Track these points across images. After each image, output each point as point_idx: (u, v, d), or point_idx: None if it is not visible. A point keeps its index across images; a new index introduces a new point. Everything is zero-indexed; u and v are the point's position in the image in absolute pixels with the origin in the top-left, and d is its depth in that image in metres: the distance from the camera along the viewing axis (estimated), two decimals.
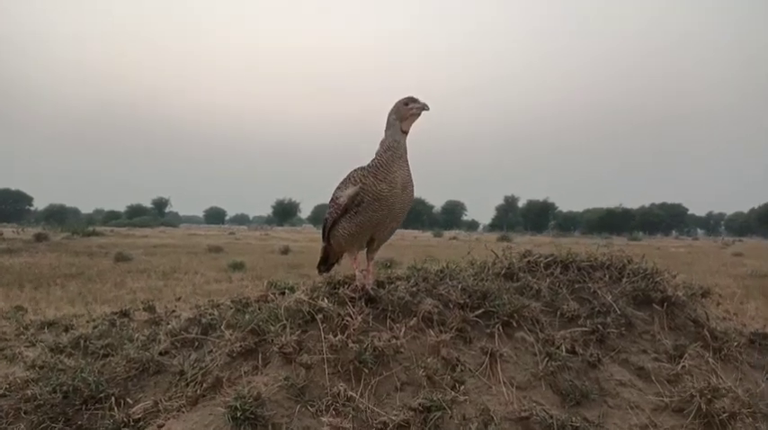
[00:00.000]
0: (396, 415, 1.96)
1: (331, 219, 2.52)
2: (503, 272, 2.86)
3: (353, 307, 2.37)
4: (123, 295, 10.52)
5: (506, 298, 2.46)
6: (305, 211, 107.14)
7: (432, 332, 2.32)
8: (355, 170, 2.44)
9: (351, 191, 2.40)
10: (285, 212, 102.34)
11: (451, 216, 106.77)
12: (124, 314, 3.23)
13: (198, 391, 2.15)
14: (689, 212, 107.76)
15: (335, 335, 2.21)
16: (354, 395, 2.04)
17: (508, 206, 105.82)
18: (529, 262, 2.92)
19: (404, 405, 2.01)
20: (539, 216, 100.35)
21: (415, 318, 2.36)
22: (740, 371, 2.46)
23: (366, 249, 2.60)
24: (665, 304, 2.62)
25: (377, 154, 2.42)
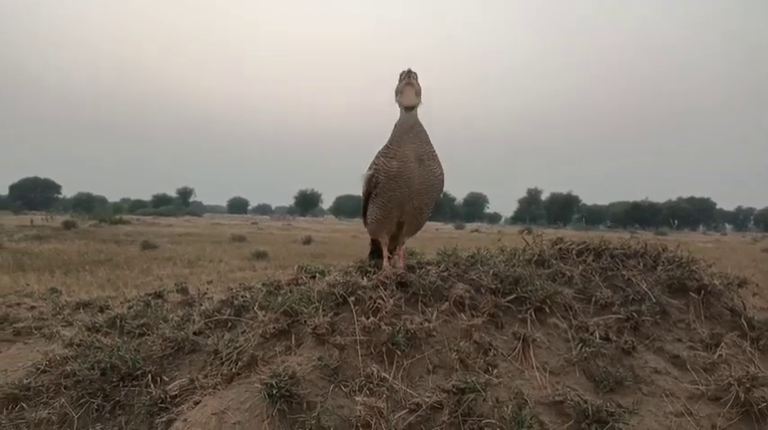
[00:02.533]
0: (429, 396, 1.97)
1: (363, 208, 2.56)
2: (534, 259, 2.83)
3: (385, 290, 2.38)
4: (150, 281, 10.71)
5: (539, 284, 2.45)
6: (327, 202, 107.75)
7: (463, 316, 2.32)
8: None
9: (367, 175, 2.47)
10: (307, 203, 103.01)
11: (473, 208, 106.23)
12: (158, 295, 3.29)
13: (233, 370, 2.18)
14: (717, 207, 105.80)
15: (368, 318, 2.22)
16: (387, 376, 2.05)
17: (531, 199, 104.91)
18: (560, 249, 2.90)
19: (437, 387, 2.01)
20: (562, 209, 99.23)
21: (446, 303, 2.36)
22: None
23: (397, 234, 2.61)
24: (701, 293, 2.58)
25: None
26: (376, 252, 2.76)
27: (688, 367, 2.27)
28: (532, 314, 2.37)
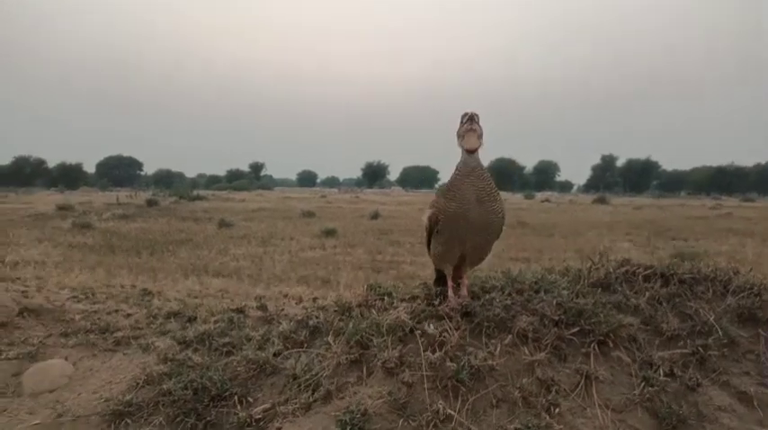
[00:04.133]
0: None
1: (427, 242, 2.68)
2: (600, 283, 2.86)
3: (450, 321, 2.50)
4: (228, 262, 11.35)
5: (602, 316, 2.48)
6: (393, 173, 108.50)
7: (526, 350, 2.40)
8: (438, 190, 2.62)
9: (428, 213, 2.61)
10: (374, 174, 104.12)
11: (544, 176, 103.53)
12: (240, 310, 3.57)
13: (310, 399, 2.38)
14: None
15: (434, 352, 2.36)
16: (453, 413, 2.18)
17: (605, 165, 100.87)
18: (626, 272, 2.90)
19: (500, 427, 2.12)
20: (640, 176, 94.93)
21: (509, 335, 2.45)
22: None
23: (460, 264, 2.70)
24: None
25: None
26: (442, 279, 2.85)
27: (755, 404, 2.26)
28: (596, 347, 2.42)
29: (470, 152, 2.48)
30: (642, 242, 15.47)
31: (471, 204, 2.44)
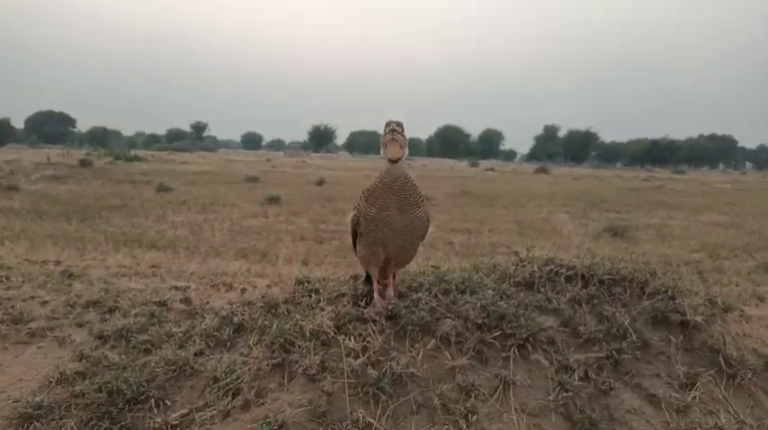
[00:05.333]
0: None
1: (352, 243, 2.65)
2: (524, 282, 2.91)
3: (375, 324, 2.48)
4: (165, 231, 10.98)
5: (524, 319, 2.52)
6: (341, 138, 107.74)
7: (448, 354, 2.42)
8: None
9: (351, 215, 2.62)
10: (321, 138, 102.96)
11: (489, 145, 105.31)
12: (162, 303, 3.45)
13: (229, 405, 2.32)
14: (739, 145, 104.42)
15: (356, 357, 2.34)
16: (372, 421, 2.17)
17: (548, 136, 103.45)
18: (550, 271, 2.95)
19: None
20: (580, 147, 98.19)
21: (433, 339, 2.46)
22: (753, 399, 2.49)
23: (386, 266, 2.68)
24: (683, 326, 2.65)
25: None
26: (370, 278, 2.81)
27: (663, 406, 2.36)
28: (515, 351, 2.46)
29: (393, 162, 2.44)
30: (578, 214, 16.02)
31: (391, 211, 2.43)
